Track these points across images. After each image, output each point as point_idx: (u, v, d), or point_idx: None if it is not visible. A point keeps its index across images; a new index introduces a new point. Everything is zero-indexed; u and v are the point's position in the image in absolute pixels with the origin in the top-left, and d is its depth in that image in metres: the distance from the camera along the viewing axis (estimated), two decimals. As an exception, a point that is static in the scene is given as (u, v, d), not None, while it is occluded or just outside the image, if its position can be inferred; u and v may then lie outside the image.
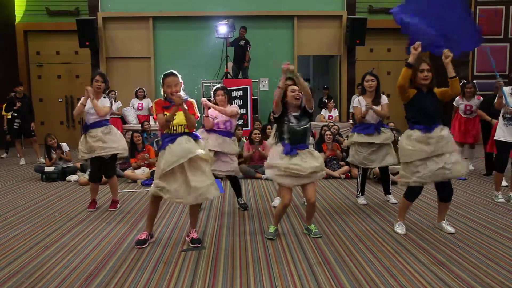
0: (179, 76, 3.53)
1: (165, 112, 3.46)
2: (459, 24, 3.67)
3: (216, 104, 4.59)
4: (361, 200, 5.00)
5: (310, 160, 3.66)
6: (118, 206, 4.91)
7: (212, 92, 4.68)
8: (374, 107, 4.66)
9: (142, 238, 3.62)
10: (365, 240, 3.69)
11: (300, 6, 10.73)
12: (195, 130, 3.64)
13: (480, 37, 3.79)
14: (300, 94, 3.66)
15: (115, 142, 4.68)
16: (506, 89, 4.84)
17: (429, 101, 3.69)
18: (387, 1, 11.25)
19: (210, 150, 4.48)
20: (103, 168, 4.79)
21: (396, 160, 4.86)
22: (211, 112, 4.58)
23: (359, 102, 4.83)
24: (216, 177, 4.69)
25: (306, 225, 3.92)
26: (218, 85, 4.73)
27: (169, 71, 3.53)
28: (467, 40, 3.75)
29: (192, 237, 3.64)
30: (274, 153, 3.72)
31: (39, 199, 5.38)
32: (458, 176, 3.76)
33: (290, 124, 3.67)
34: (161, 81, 3.53)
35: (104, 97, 4.74)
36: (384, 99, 4.80)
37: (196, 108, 3.60)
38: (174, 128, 3.50)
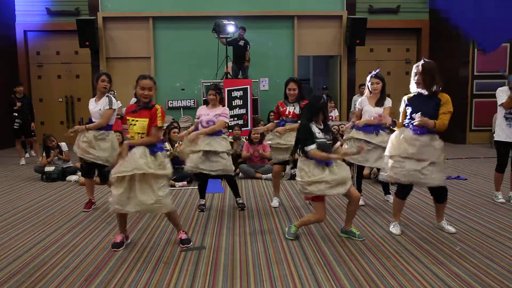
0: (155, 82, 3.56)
1: (132, 118, 3.46)
2: None
3: (207, 102, 4.74)
4: (360, 201, 4.95)
5: (340, 164, 3.61)
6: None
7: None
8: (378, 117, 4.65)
9: (118, 240, 3.58)
10: (365, 240, 3.68)
11: (300, 6, 10.74)
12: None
13: None
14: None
15: (101, 151, 4.56)
16: (502, 89, 4.83)
17: (425, 105, 3.62)
18: (387, 1, 11.27)
19: (198, 151, 4.50)
20: (98, 172, 4.80)
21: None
22: (197, 112, 4.73)
23: (360, 102, 4.79)
24: (214, 177, 4.70)
25: (345, 228, 3.83)
26: (212, 85, 4.81)
27: (146, 74, 3.53)
28: None
29: (181, 238, 3.62)
30: (309, 168, 3.54)
31: (39, 199, 5.38)
32: (431, 184, 3.67)
33: (320, 140, 3.56)
34: (135, 81, 3.49)
35: (107, 96, 4.70)
36: (388, 102, 4.73)
37: (160, 116, 3.44)
38: (132, 135, 3.48)
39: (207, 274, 3.05)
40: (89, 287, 2.84)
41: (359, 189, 5.03)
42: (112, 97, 4.71)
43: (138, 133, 3.44)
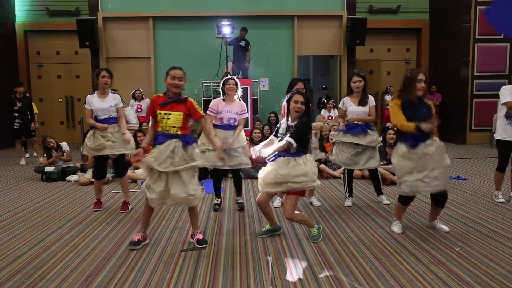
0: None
1: (165, 112, 3.41)
2: None
3: (224, 92, 4.69)
4: (347, 202, 4.90)
5: (284, 168, 3.50)
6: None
7: (222, 81, 4.75)
8: (357, 116, 4.65)
9: (136, 239, 3.58)
10: (365, 240, 3.69)
11: (300, 6, 10.74)
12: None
13: None
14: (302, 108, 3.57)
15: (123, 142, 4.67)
16: (507, 88, 4.80)
17: (421, 112, 3.62)
18: (387, 1, 11.28)
19: (213, 150, 4.47)
20: (116, 167, 4.79)
21: (379, 164, 4.84)
22: (213, 106, 4.62)
23: (343, 103, 4.77)
24: (230, 172, 4.71)
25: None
26: (229, 74, 4.81)
27: (178, 66, 3.49)
28: None
29: (198, 238, 3.62)
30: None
31: (39, 199, 5.38)
32: (434, 191, 3.65)
33: (279, 134, 3.66)
34: (166, 73, 3.47)
35: (112, 92, 4.70)
36: (371, 100, 4.71)
37: (198, 107, 3.52)
38: (167, 129, 3.42)
39: (207, 274, 3.05)
40: (89, 287, 2.85)
41: (350, 191, 4.98)
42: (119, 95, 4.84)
43: (174, 126, 3.40)
